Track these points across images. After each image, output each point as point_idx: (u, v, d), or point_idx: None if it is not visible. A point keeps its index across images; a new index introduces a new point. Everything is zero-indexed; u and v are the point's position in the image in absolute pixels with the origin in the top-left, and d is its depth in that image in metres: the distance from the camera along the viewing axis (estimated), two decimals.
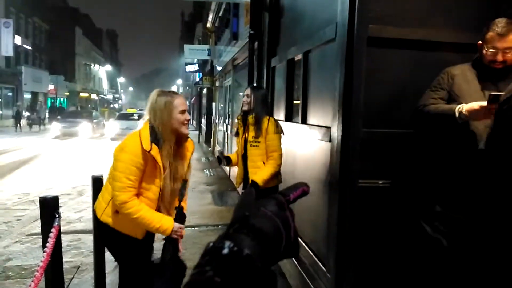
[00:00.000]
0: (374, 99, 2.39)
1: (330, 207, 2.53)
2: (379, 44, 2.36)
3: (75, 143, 17.33)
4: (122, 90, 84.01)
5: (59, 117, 23.24)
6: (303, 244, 3.10)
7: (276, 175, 3.20)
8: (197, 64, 20.27)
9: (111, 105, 61.94)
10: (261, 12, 5.03)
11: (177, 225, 2.07)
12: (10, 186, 7.68)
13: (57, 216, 2.10)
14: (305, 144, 3.26)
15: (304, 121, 3.37)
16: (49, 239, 1.95)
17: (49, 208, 2.10)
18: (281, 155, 3.19)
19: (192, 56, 15.74)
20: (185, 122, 2.11)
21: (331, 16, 2.67)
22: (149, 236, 2.19)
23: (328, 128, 2.59)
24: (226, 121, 10.90)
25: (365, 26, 2.27)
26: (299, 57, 3.59)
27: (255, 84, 5.10)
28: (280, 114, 4.18)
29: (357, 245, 2.35)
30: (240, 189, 4.59)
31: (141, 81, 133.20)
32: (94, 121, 21.41)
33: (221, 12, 12.83)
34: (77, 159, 12.05)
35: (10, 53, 28.26)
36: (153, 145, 2.00)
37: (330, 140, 2.54)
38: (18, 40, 29.95)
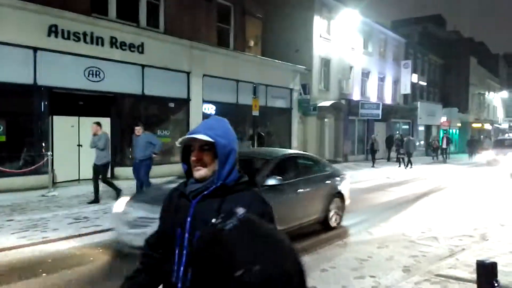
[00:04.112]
0: None
1: None
2: None
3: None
4: None
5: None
6: None
7: None
8: None
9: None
10: None
11: None
12: (411, 219, 8.17)
13: (496, 285, 1.87)
14: None
15: None
16: None
17: (487, 273, 1.90)
18: None
19: None
20: None
21: None
22: None
23: None
24: None
25: None
26: None
27: None
28: None
29: None
30: None
31: None
32: None
33: None
34: (483, 195, 11.43)
35: (408, 91, 31.52)
36: None
37: None
38: (414, 78, 32.84)
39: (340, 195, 7.40)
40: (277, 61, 18.68)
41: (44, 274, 4.74)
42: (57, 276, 4.72)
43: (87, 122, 10.15)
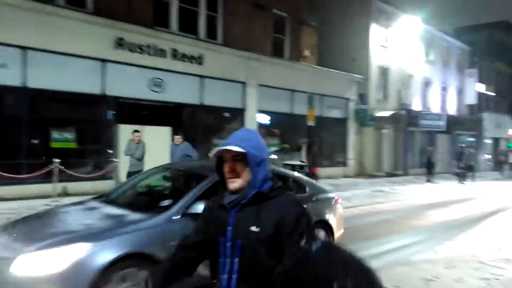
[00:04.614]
0: None
1: None
2: None
3: None
4: None
5: None
6: None
7: None
8: None
9: None
10: None
11: None
12: (479, 238, 7.61)
13: None
14: None
15: None
16: None
17: None
18: None
19: None
20: None
21: None
22: None
23: None
24: None
25: None
26: None
27: None
28: None
29: None
30: None
31: None
32: None
33: None
34: None
35: (473, 101, 29.76)
36: None
37: None
38: (480, 87, 30.97)
39: (325, 225, 5.36)
40: (332, 70, 18.44)
41: None
42: None
43: (150, 131, 10.58)
